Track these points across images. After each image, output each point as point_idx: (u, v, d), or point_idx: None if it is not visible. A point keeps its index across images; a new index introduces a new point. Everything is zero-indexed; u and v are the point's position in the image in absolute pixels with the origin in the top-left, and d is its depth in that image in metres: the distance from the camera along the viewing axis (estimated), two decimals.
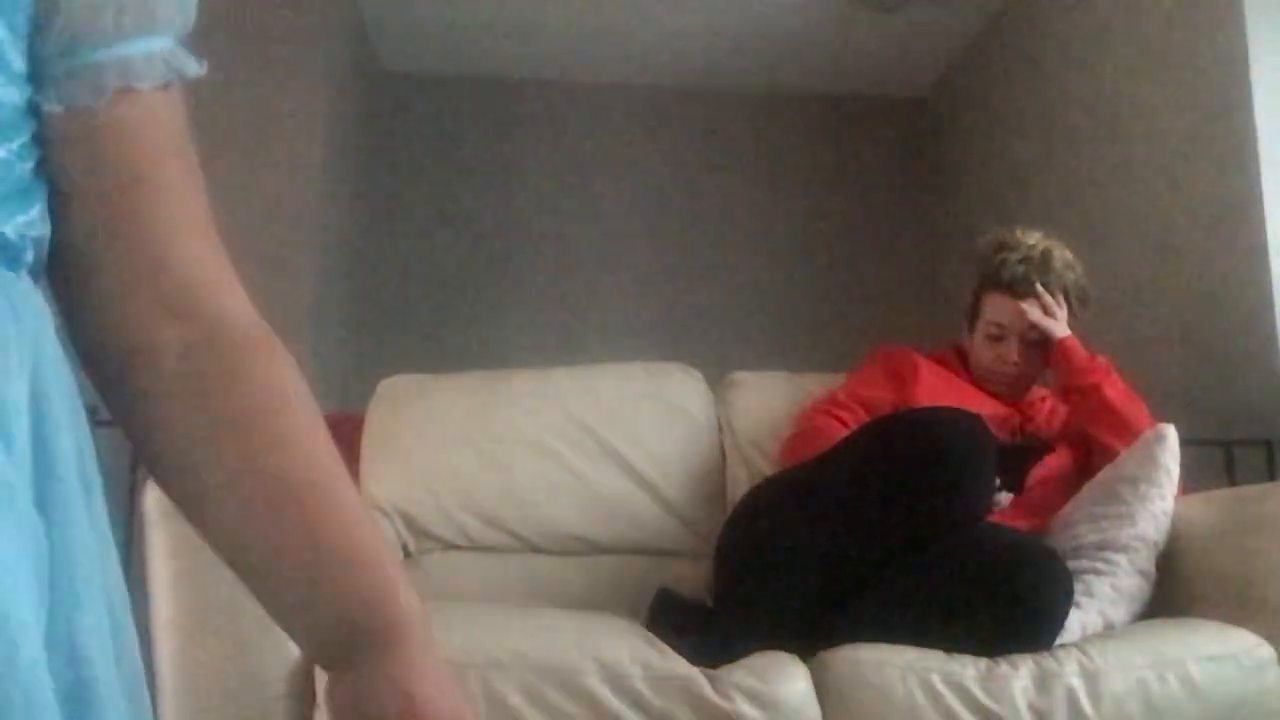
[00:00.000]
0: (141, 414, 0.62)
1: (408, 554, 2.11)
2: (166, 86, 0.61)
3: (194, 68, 0.62)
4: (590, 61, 4.56)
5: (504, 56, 4.50)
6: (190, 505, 0.63)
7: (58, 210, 0.60)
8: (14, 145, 0.57)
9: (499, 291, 4.51)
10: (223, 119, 3.39)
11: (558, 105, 4.69)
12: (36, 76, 0.58)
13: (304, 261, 3.53)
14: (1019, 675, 1.58)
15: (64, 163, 0.59)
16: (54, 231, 0.60)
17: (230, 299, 0.63)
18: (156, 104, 0.61)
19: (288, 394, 0.63)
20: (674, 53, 4.48)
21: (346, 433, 2.40)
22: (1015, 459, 1.87)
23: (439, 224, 4.54)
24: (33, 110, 0.58)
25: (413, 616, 0.62)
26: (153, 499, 1.61)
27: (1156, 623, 1.82)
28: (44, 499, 0.53)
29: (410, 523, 2.10)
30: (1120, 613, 1.81)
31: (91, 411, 0.61)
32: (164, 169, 0.62)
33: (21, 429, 0.52)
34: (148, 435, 0.62)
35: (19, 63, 0.56)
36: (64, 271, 0.61)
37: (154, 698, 1.52)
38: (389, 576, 0.62)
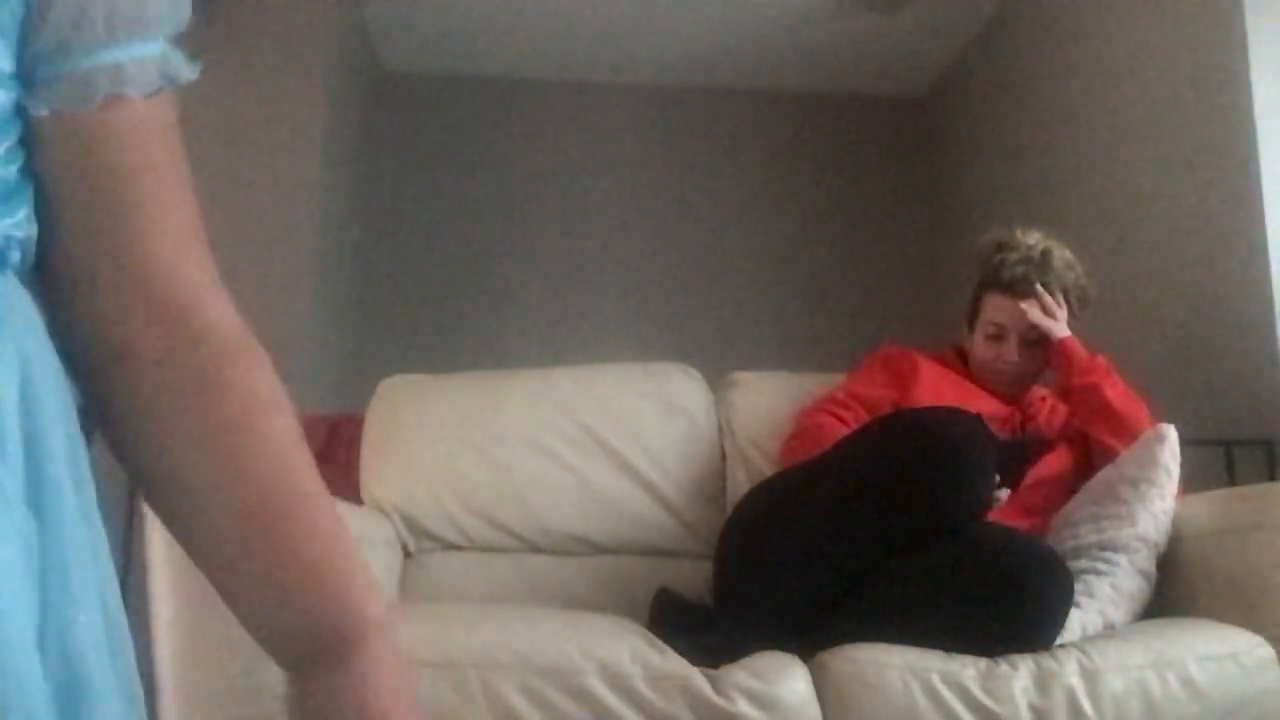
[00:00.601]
0: (124, 421, 0.62)
1: (408, 554, 2.11)
2: (157, 91, 0.61)
3: (187, 73, 0.62)
4: (590, 61, 4.56)
5: (504, 56, 4.50)
6: (168, 512, 0.63)
7: (44, 213, 0.59)
8: (0, 148, 0.56)
9: (499, 291, 4.51)
10: (222, 119, 3.39)
11: (558, 105, 4.69)
12: (25, 78, 0.57)
13: (304, 261, 3.53)
14: (1019, 675, 1.58)
15: (50, 166, 0.59)
16: (41, 234, 0.59)
17: (214, 306, 0.63)
18: (147, 110, 0.61)
19: (266, 403, 0.63)
20: (674, 53, 4.48)
21: (346, 433, 2.40)
22: (1015, 456, 1.87)
23: (439, 224, 4.54)
24: (20, 112, 0.58)
25: (376, 629, 0.62)
26: None
27: (1156, 623, 1.81)
28: (36, 498, 0.53)
29: (410, 523, 2.10)
30: (1120, 613, 1.80)
31: (87, 413, 0.61)
32: (152, 175, 0.62)
33: (12, 429, 0.52)
34: (131, 443, 0.62)
35: (7, 64, 0.56)
36: (50, 275, 0.61)
37: (154, 697, 1.52)
38: (357, 588, 0.63)
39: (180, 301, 0.62)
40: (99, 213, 0.60)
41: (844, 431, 1.99)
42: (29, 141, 0.58)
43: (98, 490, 0.58)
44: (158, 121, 0.62)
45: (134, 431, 0.62)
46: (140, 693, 0.59)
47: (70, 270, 0.61)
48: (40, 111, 0.58)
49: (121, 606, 0.58)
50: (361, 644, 0.62)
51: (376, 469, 2.13)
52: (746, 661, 1.58)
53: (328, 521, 0.63)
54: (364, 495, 2.12)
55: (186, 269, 0.62)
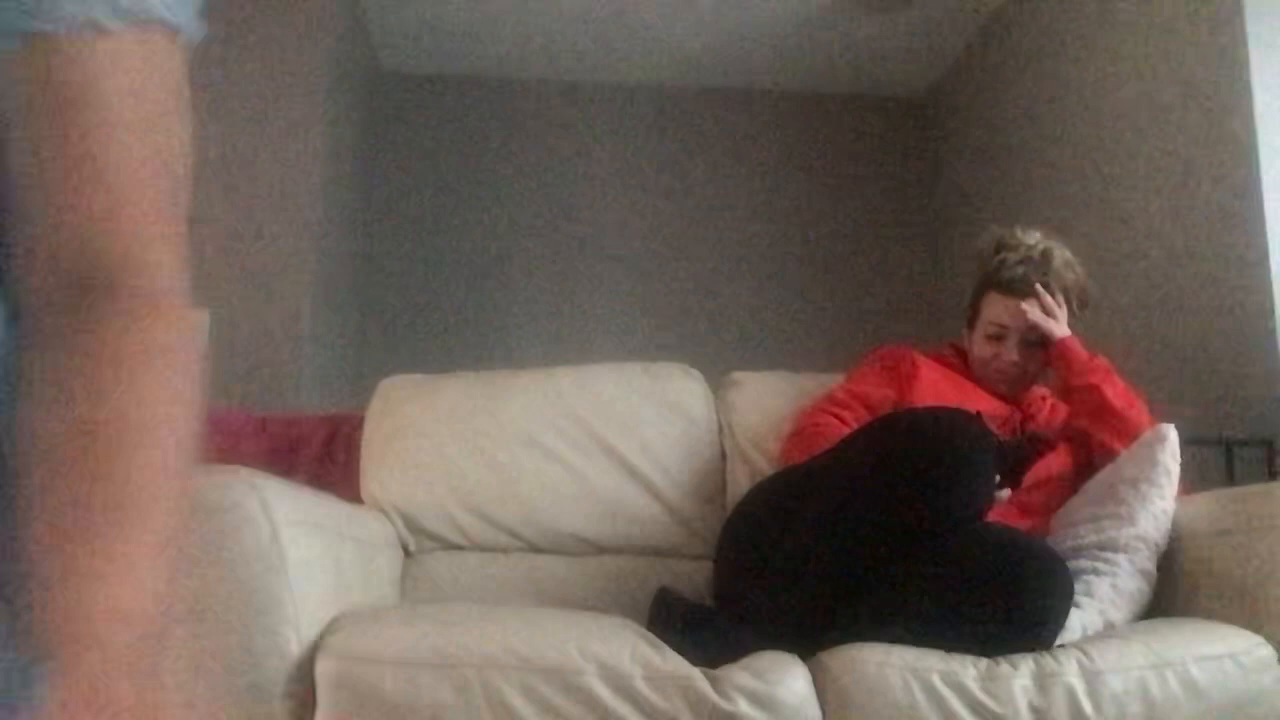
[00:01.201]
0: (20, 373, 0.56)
1: (408, 554, 2.11)
2: (142, 29, 0.56)
3: (173, 16, 0.57)
4: (591, 61, 4.56)
5: (504, 56, 4.50)
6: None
7: None
8: None
9: (499, 291, 4.51)
10: (222, 119, 3.39)
11: (558, 105, 4.69)
12: None
13: (304, 261, 3.53)
14: (1019, 675, 1.58)
15: (8, 109, 0.54)
16: None
17: (146, 267, 0.57)
18: (127, 49, 0.56)
19: (137, 356, 0.55)
20: (674, 53, 4.48)
21: (346, 433, 2.40)
22: (1015, 456, 1.87)
23: (439, 224, 4.54)
24: None
25: (108, 637, 0.51)
26: None
27: (1156, 623, 1.81)
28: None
29: (410, 523, 2.10)
30: (1120, 613, 1.80)
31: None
32: (118, 119, 0.56)
33: None
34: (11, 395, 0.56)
35: None
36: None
37: None
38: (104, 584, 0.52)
39: (109, 259, 0.56)
40: (47, 154, 0.55)
41: (844, 431, 1.99)
42: None
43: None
44: (139, 66, 0.56)
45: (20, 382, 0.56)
46: None
47: (13, 228, 0.56)
48: (7, 44, 0.53)
49: None
50: (84, 651, 0.51)
51: (376, 469, 2.13)
52: (746, 661, 1.58)
53: (143, 474, 0.55)
54: (364, 495, 2.12)
55: (126, 231, 0.56)
